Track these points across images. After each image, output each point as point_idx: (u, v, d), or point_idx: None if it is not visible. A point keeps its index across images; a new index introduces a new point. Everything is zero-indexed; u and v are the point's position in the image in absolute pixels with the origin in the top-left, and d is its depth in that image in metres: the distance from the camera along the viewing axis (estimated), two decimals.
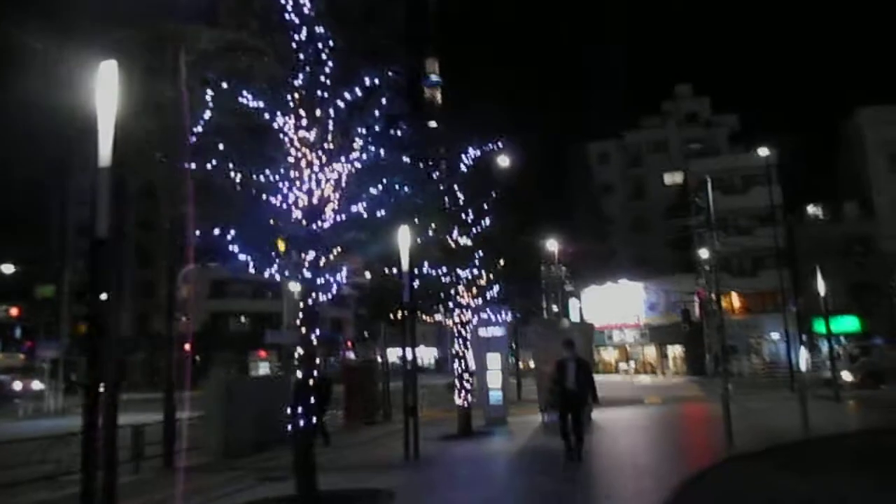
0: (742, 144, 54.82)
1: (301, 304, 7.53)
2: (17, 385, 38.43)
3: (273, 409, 14.02)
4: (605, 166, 63.52)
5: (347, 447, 14.06)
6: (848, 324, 45.06)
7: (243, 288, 61.86)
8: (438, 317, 14.93)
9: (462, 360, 14.59)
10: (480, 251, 13.97)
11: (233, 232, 6.95)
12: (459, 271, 13.83)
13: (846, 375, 29.25)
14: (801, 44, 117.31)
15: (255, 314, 62.52)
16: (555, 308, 48.11)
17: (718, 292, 29.24)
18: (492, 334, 17.05)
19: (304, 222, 7.43)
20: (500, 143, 14.07)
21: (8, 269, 46.40)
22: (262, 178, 7.40)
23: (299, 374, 7.52)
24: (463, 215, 13.59)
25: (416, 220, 10.34)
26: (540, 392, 17.49)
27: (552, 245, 51.14)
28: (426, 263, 12.80)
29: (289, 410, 9.37)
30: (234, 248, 6.98)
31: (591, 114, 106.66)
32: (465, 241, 13.73)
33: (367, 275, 15.93)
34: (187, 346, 55.94)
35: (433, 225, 11.65)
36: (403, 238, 11.01)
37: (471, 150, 13.31)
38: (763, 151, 28.67)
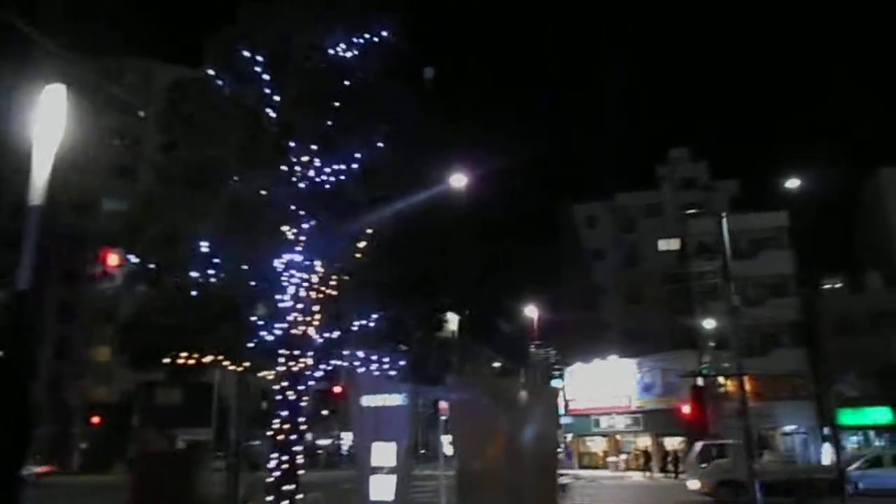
0: (744, 211, 49.37)
1: None
2: None
3: None
4: (593, 230, 57.48)
5: None
6: (880, 416, 37.78)
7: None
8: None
9: (283, 452, 7.57)
10: (320, 217, 7.32)
11: None
12: (278, 262, 7.15)
13: (692, 484, 22.80)
14: (806, 104, 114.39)
15: (191, 385, 54.48)
16: None
17: (741, 365, 22.16)
18: (382, 404, 9.96)
19: None
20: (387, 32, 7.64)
21: None
22: None
23: None
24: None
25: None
26: (466, 498, 10.32)
27: (532, 312, 44.51)
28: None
29: None
30: None
31: (581, 172, 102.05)
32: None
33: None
34: (95, 419, 48.04)
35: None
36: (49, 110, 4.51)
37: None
38: (792, 183, 22.27)
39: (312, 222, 7.53)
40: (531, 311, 44.11)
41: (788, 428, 40.75)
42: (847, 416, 37.99)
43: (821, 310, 40.15)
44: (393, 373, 8.47)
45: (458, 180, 22.49)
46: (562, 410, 45.71)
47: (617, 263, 55.58)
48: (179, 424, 53.00)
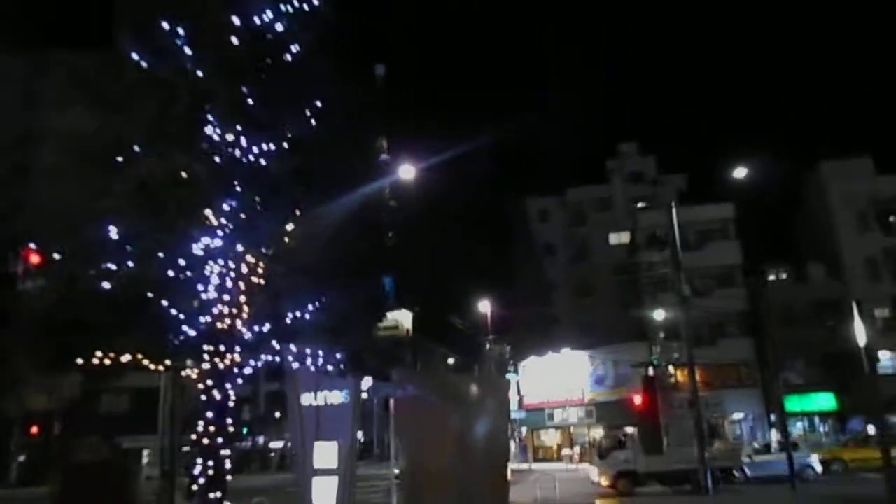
0: (692, 204, 50.23)
1: None
2: None
3: None
4: (546, 225, 57.65)
5: None
6: (823, 402, 38.79)
7: None
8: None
9: (209, 457, 6.99)
10: (240, 196, 6.76)
11: None
12: (197, 247, 6.57)
13: (594, 475, 23.23)
14: (749, 99, 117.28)
15: (139, 390, 52.55)
16: None
17: (691, 354, 22.35)
18: (322, 402, 9.43)
19: None
20: None
21: None
22: None
23: None
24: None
25: None
26: (412, 501, 9.89)
27: (485, 307, 44.40)
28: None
29: None
30: None
31: (534, 168, 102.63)
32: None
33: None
34: (34, 430, 45.86)
35: None
36: None
37: None
38: (739, 172, 22.47)
39: (233, 203, 6.93)
40: (484, 307, 44.00)
41: (736, 416, 41.56)
42: (793, 403, 38.88)
43: (767, 299, 41.02)
44: (330, 368, 7.96)
45: (407, 171, 22.01)
46: (515, 405, 45.71)
47: (568, 257, 55.87)
48: (126, 432, 51.11)
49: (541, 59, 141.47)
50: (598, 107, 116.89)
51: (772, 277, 44.02)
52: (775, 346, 26.20)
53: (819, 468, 25.40)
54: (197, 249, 6.76)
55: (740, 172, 22.29)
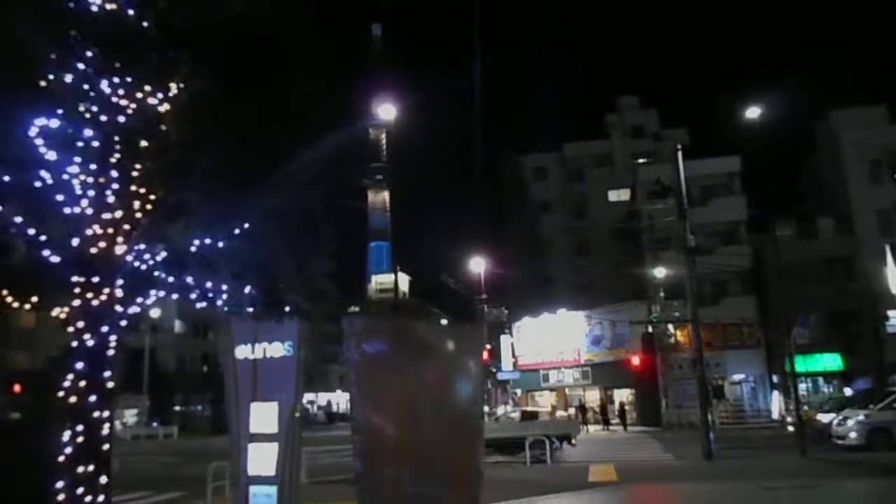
0: (694, 159, 48.30)
1: None
2: None
3: None
4: (542, 182, 55.63)
5: None
6: (829, 362, 37.39)
7: None
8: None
9: (78, 420, 5.32)
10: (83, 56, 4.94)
11: None
12: (33, 132, 4.81)
13: None
14: (754, 50, 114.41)
15: (127, 350, 51.36)
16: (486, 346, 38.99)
17: (696, 311, 20.71)
18: (260, 355, 7.76)
19: None
20: None
21: None
22: None
23: None
24: None
25: None
26: (365, 474, 8.22)
27: (478, 266, 42.77)
28: None
29: None
30: None
31: (529, 125, 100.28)
32: None
33: None
34: (17, 388, 44.74)
35: None
36: None
37: None
38: (752, 112, 20.54)
39: (79, 67, 5.06)
40: (477, 265, 42.38)
41: (737, 377, 40.27)
42: (797, 364, 37.54)
43: (776, 256, 39.37)
44: (250, 309, 6.26)
45: (387, 111, 20.10)
46: (510, 366, 44.44)
47: (565, 215, 54.07)
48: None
49: (538, 7, 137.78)
50: (598, 58, 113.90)
51: (779, 233, 42.26)
52: (784, 304, 24.51)
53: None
54: (34, 135, 4.92)
55: (753, 112, 20.38)
